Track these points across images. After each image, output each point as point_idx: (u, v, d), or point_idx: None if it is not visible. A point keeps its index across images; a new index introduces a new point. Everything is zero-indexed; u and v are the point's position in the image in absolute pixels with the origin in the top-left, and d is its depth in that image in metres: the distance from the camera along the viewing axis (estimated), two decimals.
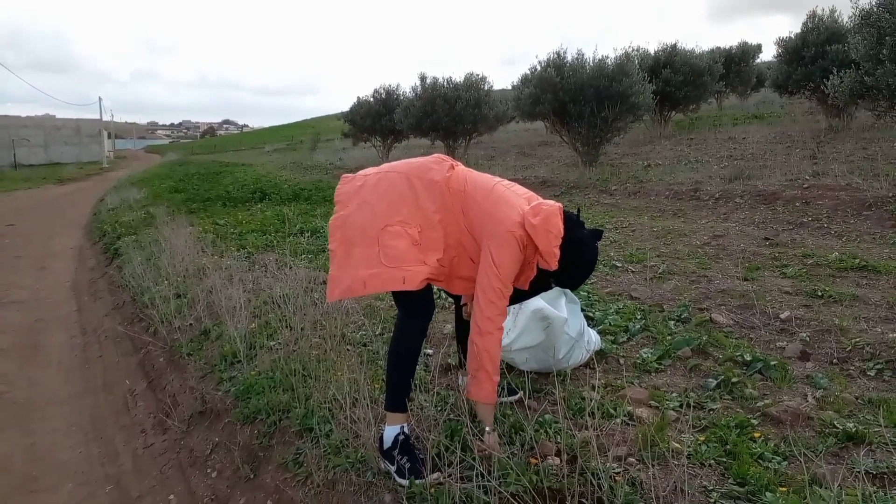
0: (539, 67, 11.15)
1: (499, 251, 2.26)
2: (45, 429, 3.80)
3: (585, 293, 4.37)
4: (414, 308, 2.29)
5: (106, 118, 53.04)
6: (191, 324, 4.18)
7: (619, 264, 5.50)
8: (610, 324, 3.70)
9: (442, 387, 2.91)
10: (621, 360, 3.27)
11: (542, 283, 2.47)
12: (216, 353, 3.62)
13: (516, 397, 2.78)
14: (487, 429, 2.27)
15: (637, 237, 6.80)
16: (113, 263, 7.50)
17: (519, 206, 2.35)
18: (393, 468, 2.17)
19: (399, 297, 2.27)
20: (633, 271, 5.31)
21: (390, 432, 2.22)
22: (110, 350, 4.94)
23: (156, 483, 2.99)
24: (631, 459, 2.22)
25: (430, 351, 3.37)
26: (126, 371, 4.44)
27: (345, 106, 22.05)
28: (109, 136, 56.49)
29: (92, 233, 10.90)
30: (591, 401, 2.63)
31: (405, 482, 2.11)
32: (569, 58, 11.28)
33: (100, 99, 50.81)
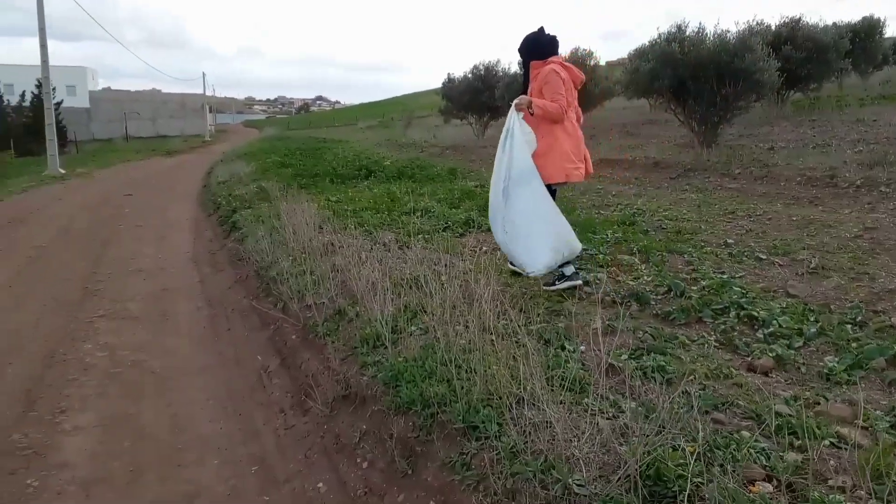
0: (659, 41, 10.52)
1: None
2: (183, 399, 3.84)
3: (740, 288, 4.00)
4: None
5: (208, 93, 55.28)
6: (324, 302, 4.11)
7: (763, 256, 5.06)
8: (780, 325, 3.34)
9: None
10: (802, 369, 2.92)
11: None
12: (356, 334, 3.52)
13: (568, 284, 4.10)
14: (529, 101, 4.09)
15: (774, 226, 6.27)
16: (231, 236, 7.66)
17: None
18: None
19: None
20: (780, 265, 4.87)
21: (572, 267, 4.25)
22: (238, 324, 4.98)
23: (302, 468, 2.92)
24: (860, 492, 1.92)
25: None
26: (257, 346, 4.44)
27: (435, 83, 21.98)
28: (211, 111, 58.99)
29: (205, 205, 11.27)
30: (785, 416, 2.33)
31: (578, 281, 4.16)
32: (688, 31, 10.61)
33: (203, 74, 53.01)
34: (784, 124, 13.90)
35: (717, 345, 3.23)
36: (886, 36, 21.22)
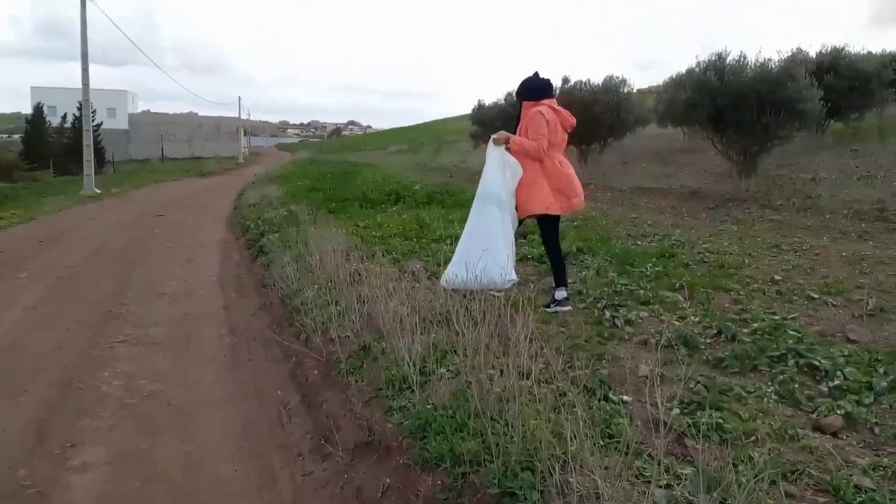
0: (697, 69, 10.27)
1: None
2: (199, 435, 3.65)
3: (795, 332, 3.70)
4: None
5: (243, 117, 56.24)
6: (348, 336, 3.90)
7: (814, 295, 4.74)
8: (846, 377, 3.04)
9: None
10: (876, 429, 2.62)
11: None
12: (381, 374, 3.29)
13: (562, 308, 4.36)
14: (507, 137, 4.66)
15: (823, 262, 5.93)
16: (257, 260, 7.54)
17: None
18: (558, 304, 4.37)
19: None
20: (834, 305, 4.54)
21: (564, 293, 4.52)
22: (260, 353, 4.80)
23: None
24: None
25: None
26: (277, 379, 4.25)
27: (465, 109, 21.87)
28: (245, 134, 59.98)
29: (234, 227, 11.22)
30: (867, 491, 2.05)
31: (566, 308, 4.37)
32: (729, 60, 10.34)
33: (239, 98, 53.92)
34: (825, 154, 13.47)
35: (776, 398, 2.94)
36: None
